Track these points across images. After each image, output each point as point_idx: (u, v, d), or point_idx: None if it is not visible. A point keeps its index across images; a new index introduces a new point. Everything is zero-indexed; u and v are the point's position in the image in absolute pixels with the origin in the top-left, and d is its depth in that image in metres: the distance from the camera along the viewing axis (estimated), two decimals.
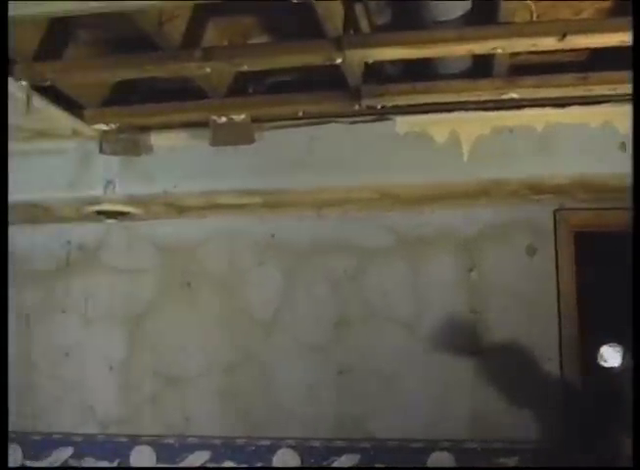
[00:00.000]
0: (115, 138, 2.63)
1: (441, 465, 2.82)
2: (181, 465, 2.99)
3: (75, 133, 2.70)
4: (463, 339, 2.88)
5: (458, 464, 2.82)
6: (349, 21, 2.04)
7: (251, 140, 2.55)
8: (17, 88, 2.27)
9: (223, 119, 2.50)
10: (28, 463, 3.17)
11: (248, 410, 3.00)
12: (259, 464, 2.94)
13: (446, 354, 2.87)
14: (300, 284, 3.02)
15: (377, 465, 2.85)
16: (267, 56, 2.15)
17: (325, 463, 2.88)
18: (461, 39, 2.00)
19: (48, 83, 2.29)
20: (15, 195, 2.82)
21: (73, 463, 3.12)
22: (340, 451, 2.88)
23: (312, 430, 2.91)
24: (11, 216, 3.05)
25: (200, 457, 3.00)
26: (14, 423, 3.19)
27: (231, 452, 2.97)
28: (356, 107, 2.41)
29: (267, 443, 2.95)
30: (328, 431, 2.90)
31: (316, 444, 2.90)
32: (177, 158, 2.70)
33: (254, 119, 2.55)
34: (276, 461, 2.94)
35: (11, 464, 3.16)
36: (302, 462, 2.92)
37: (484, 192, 2.71)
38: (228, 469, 2.95)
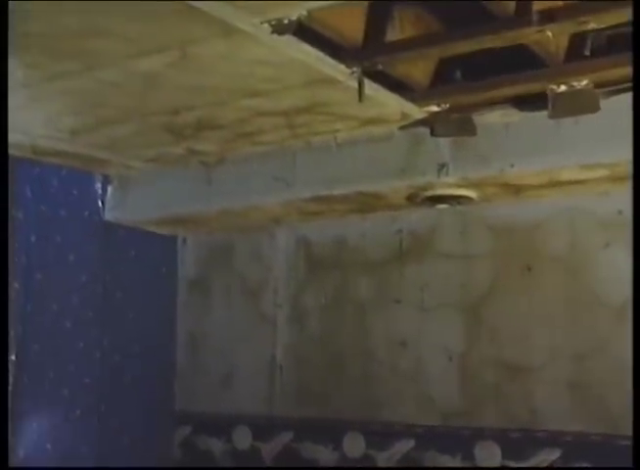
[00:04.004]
0: (448, 119, 2.69)
1: None
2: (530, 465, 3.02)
3: (404, 117, 2.80)
4: None
5: None
6: None
7: (595, 108, 2.46)
8: (348, 77, 2.42)
9: (563, 88, 2.44)
10: (371, 452, 3.39)
11: (603, 404, 2.92)
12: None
13: None
14: None
15: None
16: (615, 10, 2.06)
17: None
18: None
19: (379, 68, 2.41)
20: (343, 185, 3.07)
21: (416, 456, 3.28)
22: None
23: None
24: (341, 206, 3.31)
25: (550, 455, 2.98)
26: (355, 412, 3.46)
27: (584, 451, 2.92)
28: None
29: (627, 442, 2.84)
30: None
31: None
32: (512, 134, 2.70)
33: (597, 85, 2.47)
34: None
35: (355, 452, 3.41)
36: None
37: None
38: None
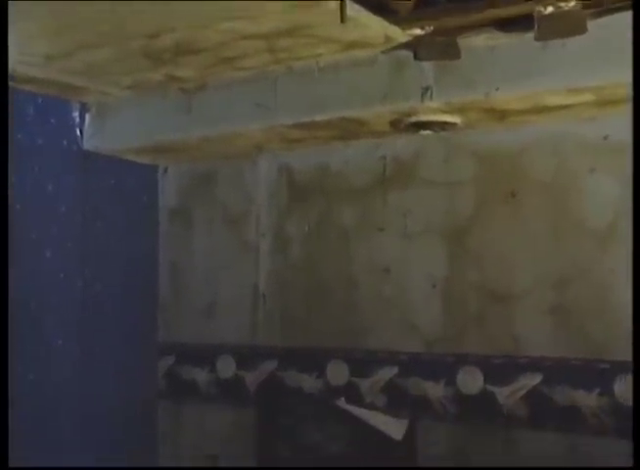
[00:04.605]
0: (432, 42, 2.66)
1: None
2: (513, 386, 3.09)
3: (388, 40, 2.76)
4: None
5: None
6: None
7: (583, 30, 2.44)
8: None
9: (550, 9, 2.42)
10: (354, 380, 3.45)
11: (583, 330, 2.97)
12: (598, 390, 2.92)
13: None
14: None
15: None
16: None
17: None
18: None
19: None
20: (326, 111, 3.05)
21: (399, 382, 3.34)
22: None
23: None
24: (323, 133, 3.30)
25: (531, 380, 3.05)
26: (338, 340, 3.50)
27: (565, 375, 2.98)
28: None
29: (607, 366, 2.91)
30: None
31: None
32: (498, 58, 2.67)
33: (585, 6, 2.44)
34: (617, 389, 2.90)
35: (339, 380, 3.48)
36: None
37: None
38: None
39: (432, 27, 2.61)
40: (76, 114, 3.61)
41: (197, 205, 4.01)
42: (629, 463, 2.86)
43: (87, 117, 3.62)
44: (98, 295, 3.69)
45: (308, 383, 3.57)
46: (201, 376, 3.92)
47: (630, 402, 2.83)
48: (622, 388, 2.87)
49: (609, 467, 2.75)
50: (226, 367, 3.84)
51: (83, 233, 3.62)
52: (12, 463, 2.35)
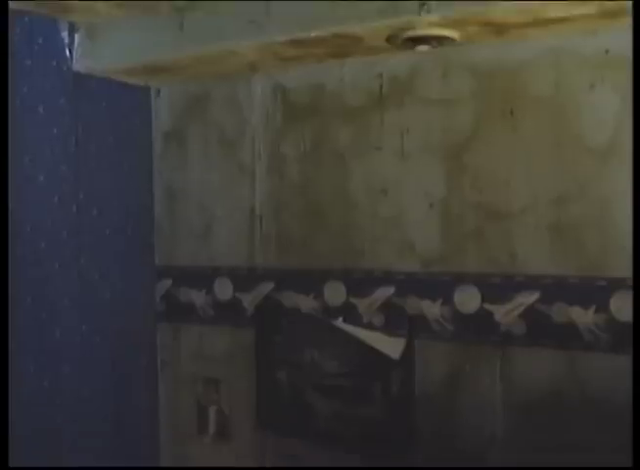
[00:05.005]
0: None
1: None
2: (510, 305, 3.11)
3: None
4: None
5: None
6: None
7: None
8: None
9: None
10: (352, 300, 3.47)
11: (581, 247, 2.98)
12: (594, 307, 2.94)
13: None
14: None
15: None
16: None
17: None
18: None
19: None
20: (321, 27, 2.99)
21: (397, 302, 3.36)
22: None
23: None
24: (318, 50, 3.24)
25: (529, 297, 3.07)
26: (336, 260, 3.51)
27: (563, 293, 3.00)
28: None
29: (604, 283, 2.93)
30: None
31: None
32: None
33: None
34: (613, 305, 2.91)
35: (336, 300, 3.50)
36: None
37: None
38: None
39: None
40: (65, 33, 3.54)
41: (191, 127, 3.98)
42: (624, 378, 2.93)
43: (76, 37, 3.55)
44: (93, 218, 3.68)
45: (306, 304, 3.60)
46: (198, 298, 3.95)
47: (626, 318, 2.86)
48: (619, 304, 2.89)
49: (609, 467, 2.76)
50: (224, 289, 3.86)
51: (77, 156, 3.59)
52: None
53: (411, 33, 2.90)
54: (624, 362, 2.87)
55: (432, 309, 3.27)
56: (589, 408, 2.98)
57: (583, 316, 2.96)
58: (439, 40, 2.94)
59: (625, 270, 2.85)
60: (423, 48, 3.02)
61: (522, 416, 3.12)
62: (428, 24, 2.83)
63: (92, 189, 3.68)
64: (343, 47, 3.20)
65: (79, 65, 3.55)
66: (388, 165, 3.36)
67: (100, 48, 3.51)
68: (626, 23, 2.65)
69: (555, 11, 2.70)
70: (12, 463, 2.73)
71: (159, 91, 4.02)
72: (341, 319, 3.49)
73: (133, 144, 3.98)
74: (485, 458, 3.19)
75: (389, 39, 3.03)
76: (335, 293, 3.51)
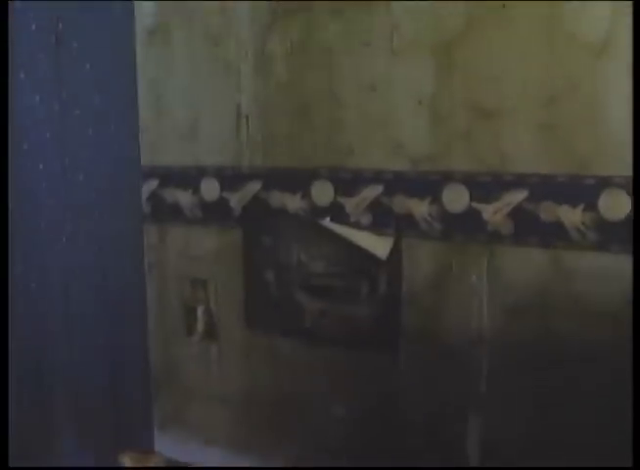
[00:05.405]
0: None
1: None
2: (498, 203, 3.11)
3: None
4: None
5: None
6: None
7: None
8: None
9: None
10: (340, 199, 3.46)
11: (571, 145, 2.96)
12: (582, 205, 2.94)
13: None
14: None
15: None
16: None
17: None
18: None
19: None
20: None
21: (385, 201, 3.35)
22: None
23: None
24: None
25: (517, 196, 3.07)
26: (323, 160, 3.49)
27: (551, 191, 3.00)
28: None
29: (592, 182, 2.92)
30: None
31: None
32: None
33: None
34: (601, 204, 2.91)
35: (324, 200, 3.49)
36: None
37: None
38: None
39: None
40: None
41: (175, 24, 3.88)
42: (609, 277, 2.97)
43: None
44: (74, 117, 3.61)
45: (293, 203, 3.59)
46: (185, 199, 3.93)
47: (614, 217, 2.87)
48: (607, 203, 2.89)
49: (609, 467, 2.78)
50: (210, 190, 3.85)
51: (57, 51, 3.51)
52: None
53: None
54: (610, 261, 2.91)
55: (420, 208, 3.27)
56: (574, 306, 3.01)
57: (571, 215, 2.96)
58: None
59: (614, 168, 2.85)
60: None
61: (507, 314, 3.16)
62: None
63: (74, 80, 3.60)
64: None
65: None
66: (377, 62, 3.30)
67: None
68: None
69: None
70: None
71: None
72: (328, 219, 3.48)
73: (116, 46, 3.87)
74: (471, 356, 3.25)
75: None
76: (322, 192, 3.50)
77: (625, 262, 2.82)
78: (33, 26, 3.41)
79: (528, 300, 3.11)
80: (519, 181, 3.06)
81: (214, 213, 3.85)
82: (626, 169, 2.76)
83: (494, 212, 3.12)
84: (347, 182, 3.43)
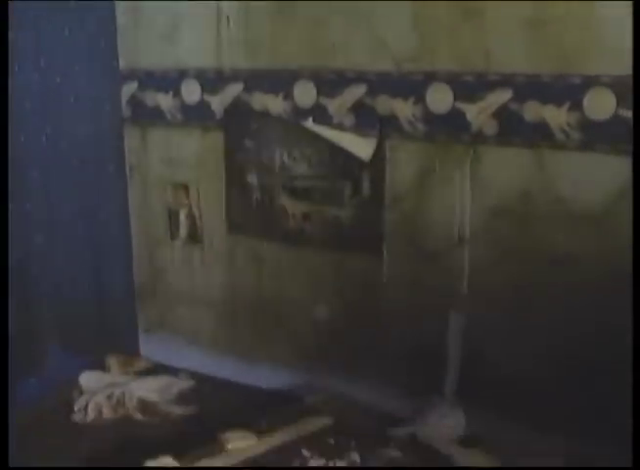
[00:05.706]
0: None
1: None
2: (483, 103, 3.08)
3: None
4: None
5: None
6: None
7: None
8: None
9: None
10: (322, 100, 3.42)
11: (558, 44, 2.90)
12: (567, 105, 2.92)
13: None
14: None
15: None
16: None
17: None
18: None
19: None
20: None
21: (368, 102, 3.30)
22: None
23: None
24: None
25: (501, 96, 3.04)
26: (305, 60, 3.43)
27: (536, 91, 2.97)
28: None
29: (578, 81, 2.89)
30: None
31: None
32: None
33: None
34: (586, 103, 2.89)
35: (306, 101, 3.45)
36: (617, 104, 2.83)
37: None
38: None
39: None
40: None
41: None
42: (593, 177, 2.97)
43: None
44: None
45: (275, 105, 3.54)
46: (165, 102, 3.87)
47: (598, 117, 2.86)
48: (592, 102, 2.87)
49: (609, 467, 2.77)
50: (191, 92, 3.78)
51: None
52: None
53: None
54: (594, 161, 2.91)
55: (403, 109, 3.23)
56: (558, 207, 3.02)
57: (556, 115, 2.94)
58: None
59: (600, 67, 2.82)
60: None
61: (490, 215, 3.17)
62: None
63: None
64: None
65: None
66: None
67: None
68: None
69: None
70: None
71: None
72: (311, 120, 3.45)
73: None
74: (453, 256, 3.27)
75: None
76: (305, 93, 3.46)
77: (609, 163, 2.84)
78: None
79: (512, 200, 3.12)
80: (503, 80, 3.02)
81: (196, 116, 3.80)
82: (613, 68, 2.75)
83: (478, 113, 3.10)
84: (330, 83, 3.38)
